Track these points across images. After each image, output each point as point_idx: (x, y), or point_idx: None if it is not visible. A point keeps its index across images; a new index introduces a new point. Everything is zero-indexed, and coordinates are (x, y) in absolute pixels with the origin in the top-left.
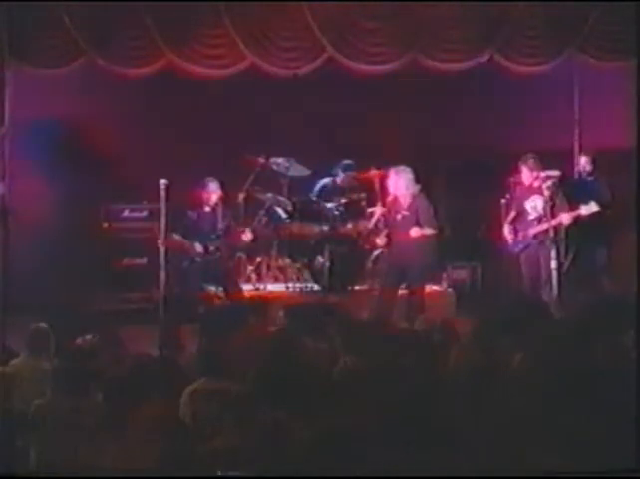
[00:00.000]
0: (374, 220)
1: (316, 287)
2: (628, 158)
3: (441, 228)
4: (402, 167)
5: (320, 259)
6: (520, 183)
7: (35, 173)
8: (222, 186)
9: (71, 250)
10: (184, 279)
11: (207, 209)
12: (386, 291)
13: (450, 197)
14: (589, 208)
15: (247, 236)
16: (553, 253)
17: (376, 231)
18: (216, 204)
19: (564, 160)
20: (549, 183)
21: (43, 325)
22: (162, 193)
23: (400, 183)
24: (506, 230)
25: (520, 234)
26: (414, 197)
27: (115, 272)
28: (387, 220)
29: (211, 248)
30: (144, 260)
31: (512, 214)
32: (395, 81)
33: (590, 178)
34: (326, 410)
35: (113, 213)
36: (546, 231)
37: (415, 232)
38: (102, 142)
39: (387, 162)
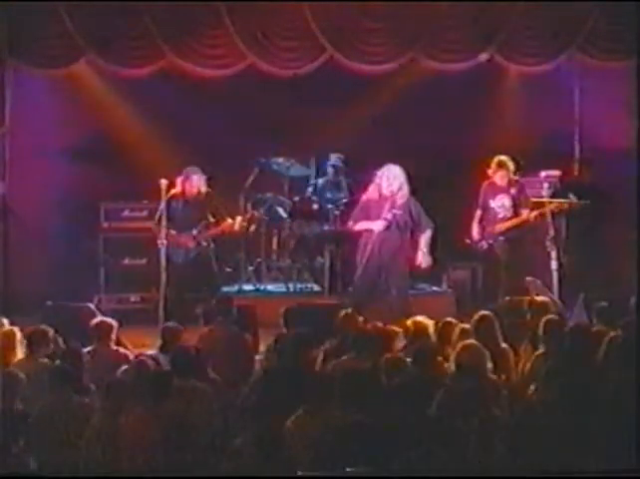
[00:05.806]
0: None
1: (316, 287)
2: (628, 158)
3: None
4: (396, 167)
5: (320, 259)
6: (491, 183)
7: (35, 173)
8: (208, 179)
9: (70, 250)
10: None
11: (191, 199)
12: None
13: (450, 196)
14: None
15: (239, 224)
16: (553, 254)
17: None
18: (200, 193)
19: (564, 160)
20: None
21: (43, 326)
22: (163, 193)
23: (396, 182)
24: (474, 228)
25: (487, 230)
26: (407, 198)
27: (115, 272)
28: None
29: (203, 242)
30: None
31: (479, 212)
32: (395, 80)
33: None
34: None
35: (113, 213)
36: (513, 228)
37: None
38: (102, 141)
39: (386, 161)
